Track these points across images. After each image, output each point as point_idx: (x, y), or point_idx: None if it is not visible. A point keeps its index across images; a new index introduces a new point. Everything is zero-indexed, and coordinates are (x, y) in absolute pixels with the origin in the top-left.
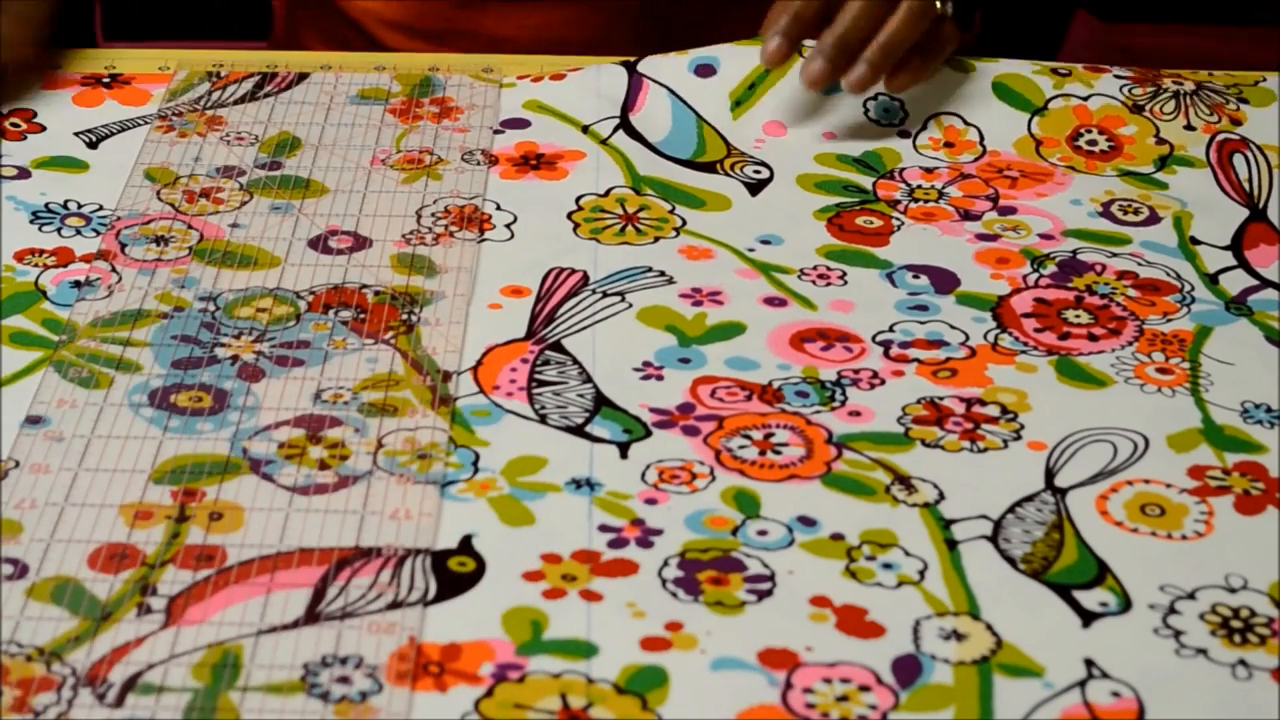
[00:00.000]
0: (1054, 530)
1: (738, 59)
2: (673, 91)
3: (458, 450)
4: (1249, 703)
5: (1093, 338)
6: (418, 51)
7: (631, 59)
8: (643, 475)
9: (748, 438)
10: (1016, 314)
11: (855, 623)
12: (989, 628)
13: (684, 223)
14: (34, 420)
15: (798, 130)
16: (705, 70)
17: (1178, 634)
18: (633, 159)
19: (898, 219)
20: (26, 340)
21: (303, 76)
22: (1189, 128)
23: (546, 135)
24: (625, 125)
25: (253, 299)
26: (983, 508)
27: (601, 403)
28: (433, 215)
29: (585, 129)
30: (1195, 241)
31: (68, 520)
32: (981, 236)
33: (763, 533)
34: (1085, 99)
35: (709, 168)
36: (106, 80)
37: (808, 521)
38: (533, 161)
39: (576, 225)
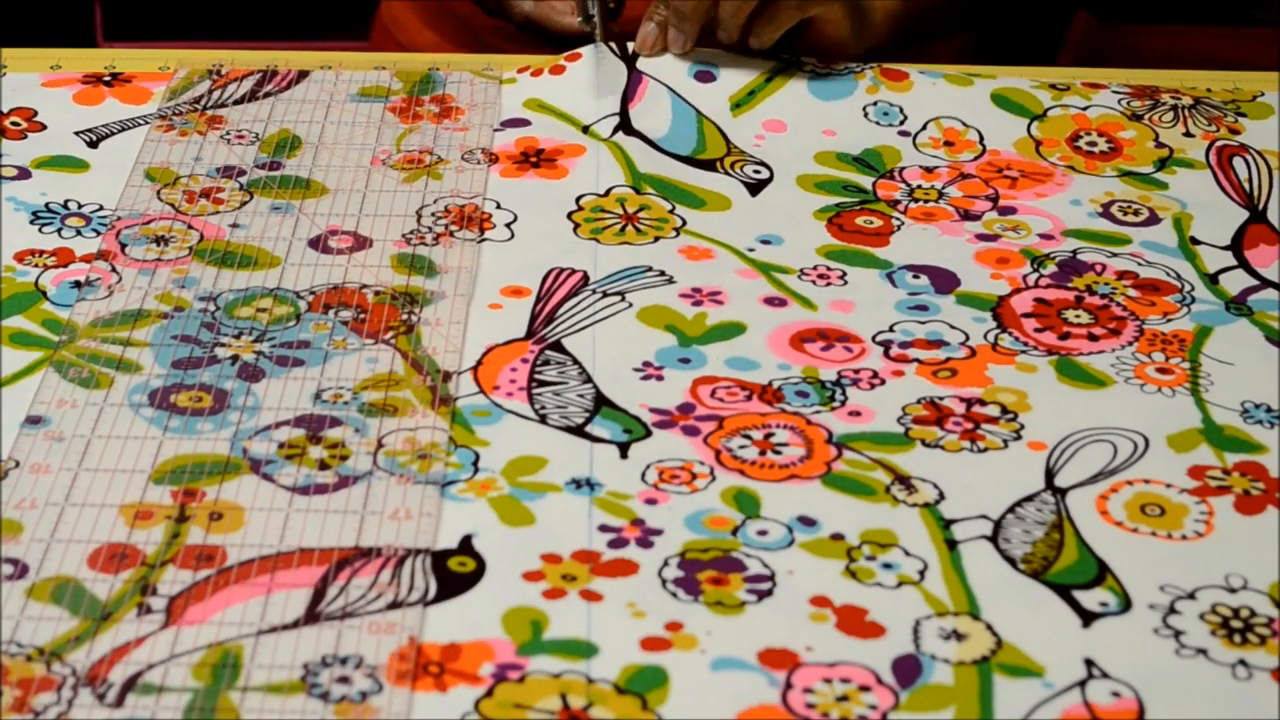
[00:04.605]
0: (1054, 530)
1: (737, 68)
2: (672, 89)
3: (458, 450)
4: (1249, 703)
5: (1093, 338)
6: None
7: (629, 53)
8: (643, 475)
9: (748, 438)
10: (1016, 314)
11: (855, 623)
12: (989, 628)
13: (684, 223)
14: (34, 420)
15: (797, 128)
16: (705, 76)
17: (1178, 634)
18: (633, 155)
19: (898, 219)
20: (26, 340)
21: (303, 75)
22: (1188, 135)
23: (546, 133)
24: (625, 125)
25: (253, 299)
26: (983, 508)
27: (601, 403)
28: (433, 215)
29: (585, 129)
30: (1195, 241)
31: (68, 520)
32: (981, 236)
33: (763, 533)
34: (1084, 109)
35: (709, 165)
36: (107, 78)
37: (808, 521)
38: (533, 158)
39: (576, 225)
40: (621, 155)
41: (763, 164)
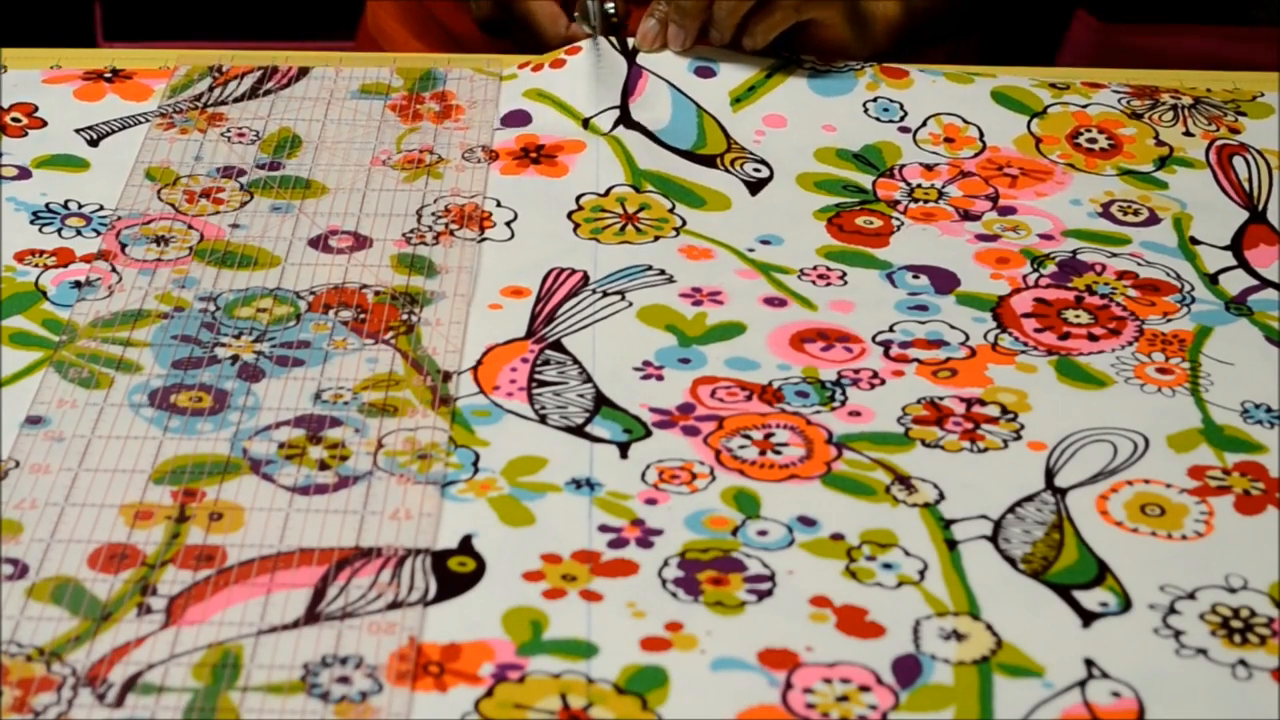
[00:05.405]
0: (1054, 530)
1: (738, 64)
2: (672, 84)
3: (458, 450)
4: (1249, 703)
5: (1093, 338)
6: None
7: (629, 49)
8: (643, 475)
9: (748, 438)
10: (1016, 314)
11: (855, 623)
12: (989, 628)
13: (684, 222)
14: (34, 420)
15: (797, 123)
16: (705, 72)
17: (1178, 634)
18: (633, 151)
19: (897, 219)
20: (26, 340)
21: (304, 72)
22: (1187, 134)
23: (547, 128)
24: (625, 118)
25: (253, 299)
26: (983, 508)
27: (601, 403)
28: (433, 214)
29: (586, 123)
30: (1195, 241)
31: (68, 520)
32: (981, 237)
33: (763, 533)
34: (1084, 107)
35: (709, 161)
36: (108, 75)
37: (808, 521)
38: (533, 154)
39: (576, 225)
40: (621, 152)
41: (763, 162)
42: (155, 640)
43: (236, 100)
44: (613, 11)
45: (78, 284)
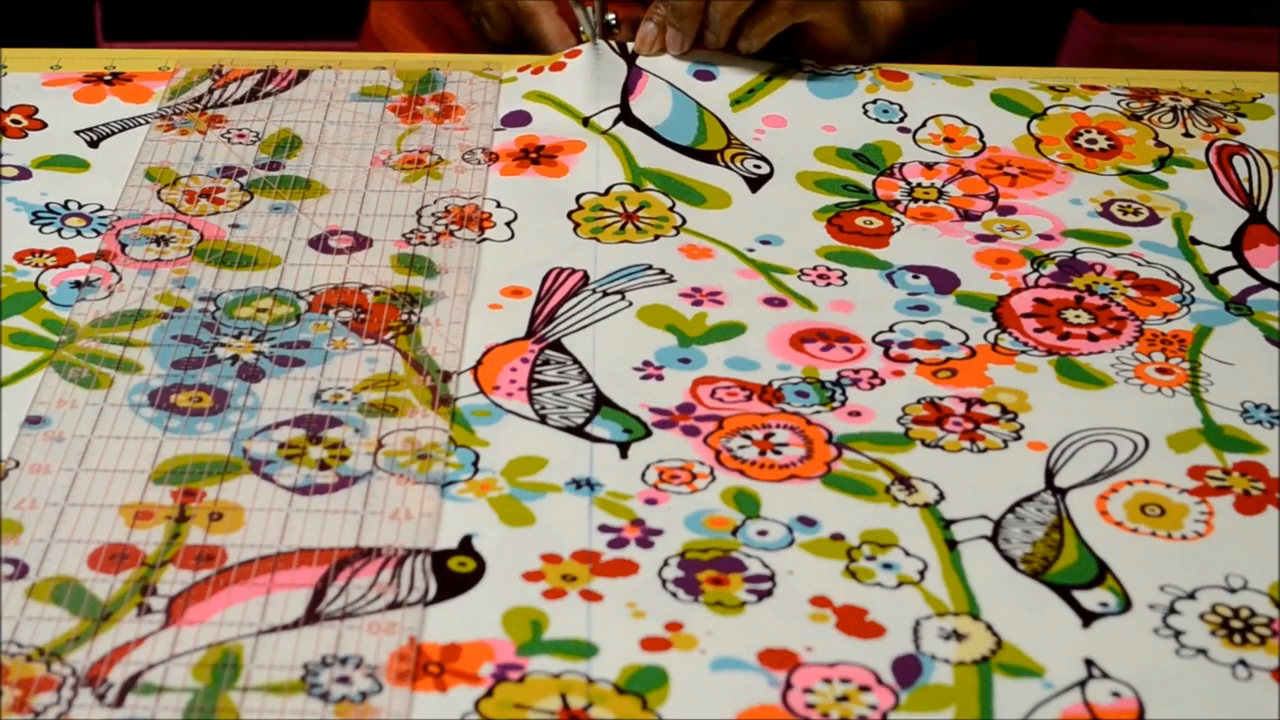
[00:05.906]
0: (1054, 530)
1: (737, 67)
2: (672, 84)
3: (458, 450)
4: (1249, 703)
5: (1093, 338)
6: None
7: (628, 52)
8: (643, 475)
9: (748, 438)
10: (1016, 314)
11: (855, 623)
12: (989, 628)
13: (684, 221)
14: (34, 420)
15: (797, 123)
16: (704, 75)
17: (1178, 634)
18: (633, 150)
19: (897, 219)
20: (26, 340)
21: (303, 74)
22: (1187, 135)
23: (547, 128)
24: (626, 114)
25: (253, 299)
26: (983, 508)
27: (601, 403)
28: (433, 215)
29: (586, 121)
30: (1195, 241)
31: (68, 520)
32: (981, 237)
33: (763, 533)
34: (1083, 109)
35: (709, 157)
36: (108, 78)
37: (808, 521)
38: (532, 154)
39: (576, 225)
40: (621, 150)
41: (763, 159)
42: (155, 640)
43: (236, 102)
44: (614, 22)
45: (78, 284)
